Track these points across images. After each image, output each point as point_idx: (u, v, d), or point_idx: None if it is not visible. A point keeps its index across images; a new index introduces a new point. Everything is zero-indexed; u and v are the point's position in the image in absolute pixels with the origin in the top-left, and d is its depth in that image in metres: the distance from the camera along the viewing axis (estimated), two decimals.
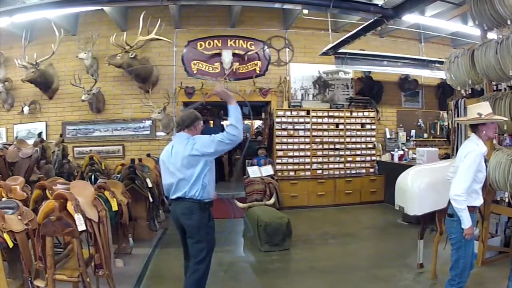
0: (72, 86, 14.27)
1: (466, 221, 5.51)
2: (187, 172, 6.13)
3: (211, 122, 20.88)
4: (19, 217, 6.33)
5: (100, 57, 15.06)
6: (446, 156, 12.15)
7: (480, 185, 5.79)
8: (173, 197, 6.34)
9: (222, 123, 21.99)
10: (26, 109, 15.12)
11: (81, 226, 5.90)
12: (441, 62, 13.14)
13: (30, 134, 15.11)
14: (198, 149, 6.08)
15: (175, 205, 6.36)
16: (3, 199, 7.22)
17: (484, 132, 5.83)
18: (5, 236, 5.93)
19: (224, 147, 6.16)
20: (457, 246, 5.76)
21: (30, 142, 11.48)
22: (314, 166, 15.56)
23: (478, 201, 5.86)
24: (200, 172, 6.15)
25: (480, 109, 5.93)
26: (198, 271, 6.18)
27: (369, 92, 16.78)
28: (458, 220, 5.60)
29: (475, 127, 5.91)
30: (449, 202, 5.77)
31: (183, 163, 6.14)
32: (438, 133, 17.59)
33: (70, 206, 6.00)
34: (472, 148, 5.69)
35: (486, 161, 5.92)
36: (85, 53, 14.46)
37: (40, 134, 12.94)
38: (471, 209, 5.69)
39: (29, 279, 6.32)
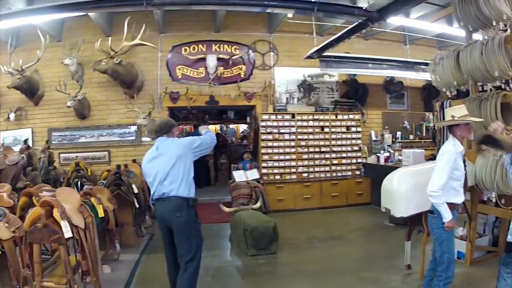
0: (58, 92, 14.26)
1: (446, 214, 5.77)
2: (175, 170, 6.47)
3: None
4: (6, 224, 6.33)
5: (85, 63, 15.03)
6: (432, 157, 12.17)
7: (458, 182, 6.03)
8: (160, 196, 6.55)
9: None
10: (12, 115, 15.06)
11: (67, 233, 5.90)
12: (426, 64, 13.27)
13: (16, 140, 15.01)
14: (185, 145, 6.69)
15: (161, 204, 6.59)
16: None
17: (458, 133, 6.12)
18: None
19: (207, 143, 6.94)
20: (440, 241, 5.99)
21: (16, 149, 11.44)
22: (300, 169, 15.56)
23: (458, 198, 6.10)
24: (188, 169, 6.59)
25: (454, 111, 6.20)
26: (190, 268, 6.41)
27: (354, 94, 16.80)
28: (438, 216, 5.91)
29: (451, 129, 6.19)
30: None
31: (171, 162, 6.48)
32: (424, 135, 17.65)
33: (56, 213, 6.00)
34: (448, 148, 6.00)
35: (464, 160, 6.15)
36: (70, 59, 14.39)
37: (26, 141, 12.86)
38: (452, 206, 5.93)
39: (17, 286, 6.33)
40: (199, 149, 6.81)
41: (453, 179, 5.95)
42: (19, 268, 6.35)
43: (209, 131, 7.28)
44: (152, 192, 6.72)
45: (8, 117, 15.17)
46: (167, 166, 6.48)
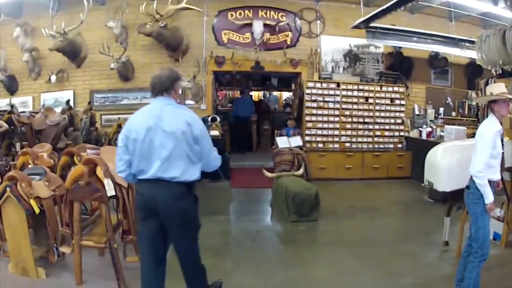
0: (101, 54, 14.35)
1: (489, 196, 5.68)
2: (179, 150, 4.93)
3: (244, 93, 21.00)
4: (46, 183, 6.39)
5: (130, 26, 15.05)
6: (474, 136, 12.08)
7: (495, 160, 5.91)
8: (153, 177, 4.96)
9: (251, 93, 22.04)
10: (53, 77, 15.20)
11: (110, 191, 5.93)
12: (471, 42, 13.06)
13: (57, 102, 15.18)
14: (197, 135, 5.00)
15: (152, 188, 5.01)
16: (30, 166, 7.24)
17: (496, 109, 5.99)
18: (32, 202, 5.99)
19: (211, 161, 5.27)
20: (475, 217, 5.91)
21: (58, 110, 11.50)
22: (343, 139, 15.48)
23: (495, 175, 5.98)
24: (206, 148, 5.18)
25: (493, 89, 6.13)
26: (196, 272, 5.43)
27: (399, 67, 16.66)
28: (474, 191, 5.82)
29: (490, 106, 6.10)
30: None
31: (180, 137, 4.91)
32: (466, 112, 17.37)
33: (99, 171, 6.04)
34: (486, 127, 5.91)
35: (502, 139, 6.05)
36: (114, 22, 14.50)
37: (68, 102, 12.96)
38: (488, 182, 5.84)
39: (55, 245, 6.35)
40: (202, 151, 5.12)
41: (491, 156, 5.83)
42: (57, 227, 6.39)
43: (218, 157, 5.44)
44: (135, 165, 5.09)
45: (50, 79, 15.32)
46: (172, 142, 4.89)
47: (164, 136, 4.91)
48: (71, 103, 13.79)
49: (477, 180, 5.72)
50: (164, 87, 5.26)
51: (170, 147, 4.89)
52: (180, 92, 5.53)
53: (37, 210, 6.02)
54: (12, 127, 10.47)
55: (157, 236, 5.12)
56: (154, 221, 5.05)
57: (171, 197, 4.96)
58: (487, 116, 6.19)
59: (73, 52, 14.89)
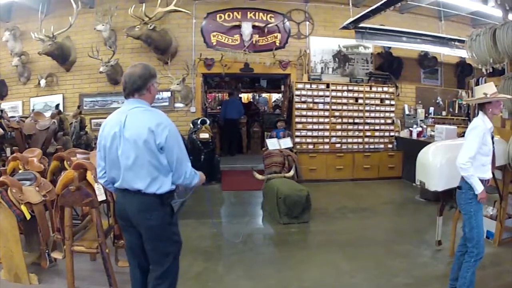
0: (90, 58, 14.35)
1: (478, 187, 5.76)
2: (143, 160, 4.42)
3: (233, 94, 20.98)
4: (36, 188, 6.38)
5: (118, 29, 15.07)
6: (464, 135, 12.11)
7: (486, 157, 6.02)
8: (121, 186, 4.62)
9: (240, 95, 22.06)
10: (42, 81, 15.18)
11: (101, 196, 5.89)
12: (460, 41, 13.15)
13: (46, 106, 15.19)
14: (160, 144, 4.41)
15: (123, 197, 4.65)
16: (20, 171, 7.22)
17: (490, 110, 6.09)
18: (23, 207, 5.98)
19: (182, 176, 4.58)
20: (468, 216, 5.96)
21: (47, 114, 11.49)
22: (333, 139, 15.53)
23: (486, 174, 6.07)
24: (174, 159, 4.54)
25: (486, 89, 6.15)
26: (164, 285, 4.74)
27: (388, 67, 16.70)
28: (466, 192, 5.92)
29: (482, 106, 6.16)
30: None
31: (141, 146, 4.39)
32: (456, 111, 17.49)
33: (90, 176, 6.00)
34: (477, 123, 6.00)
35: (492, 137, 6.14)
36: (103, 25, 14.45)
37: (57, 106, 12.94)
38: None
39: (46, 251, 6.35)
40: (174, 164, 4.53)
41: (482, 154, 5.95)
42: (48, 233, 6.38)
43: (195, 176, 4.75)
44: (108, 172, 4.76)
45: (39, 84, 15.31)
46: (137, 151, 4.40)
47: (126, 144, 4.44)
48: (61, 107, 13.82)
49: (462, 172, 5.84)
50: (135, 87, 4.62)
51: (132, 156, 4.41)
52: (155, 92, 4.85)
53: (28, 216, 6.00)
54: (2, 131, 10.46)
55: (137, 246, 4.77)
56: (132, 231, 4.71)
57: (138, 209, 4.53)
58: (477, 115, 6.24)
59: (62, 56, 14.90)
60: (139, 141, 4.34)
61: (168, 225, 4.65)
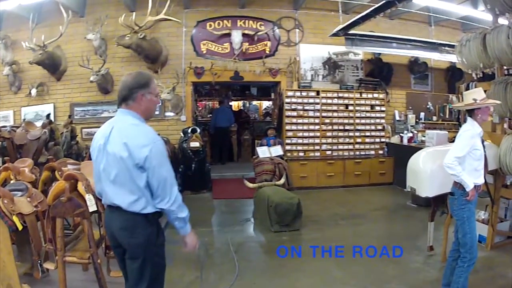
0: (80, 67, 14.34)
1: (468, 183, 5.81)
2: (133, 176, 4.12)
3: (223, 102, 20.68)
4: (28, 199, 6.33)
5: (109, 38, 15.07)
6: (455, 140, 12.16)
7: (478, 162, 6.07)
8: (104, 202, 4.52)
9: (230, 104, 21.85)
10: (33, 91, 15.13)
11: (92, 206, 5.83)
12: (451, 46, 13.23)
13: (37, 116, 15.14)
14: (139, 164, 4.08)
15: (109, 214, 4.41)
16: (12, 181, 7.20)
17: (479, 115, 6.15)
18: (14, 218, 5.94)
19: (166, 205, 4.20)
20: (461, 222, 6.02)
21: (38, 124, 11.46)
22: (324, 147, 15.51)
23: (479, 179, 6.11)
24: (156, 184, 4.18)
25: (475, 95, 6.19)
26: None
27: (378, 73, 16.75)
28: (459, 197, 5.99)
29: (471, 111, 6.22)
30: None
31: (120, 162, 4.12)
32: (447, 116, 17.57)
33: (80, 187, 5.95)
34: (467, 128, 6.14)
35: (483, 141, 6.21)
36: (93, 34, 14.50)
37: (48, 116, 12.87)
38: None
39: (39, 261, 6.33)
40: (159, 190, 4.17)
41: (474, 159, 6.03)
42: (40, 243, 6.35)
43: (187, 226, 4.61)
44: (96, 186, 4.63)
45: (30, 93, 15.27)
46: (118, 167, 4.13)
47: (108, 158, 4.19)
48: (52, 117, 13.72)
49: (449, 171, 5.90)
50: (121, 96, 4.33)
51: (113, 172, 4.15)
52: (147, 103, 4.43)
53: (20, 227, 5.97)
54: None
55: (123, 263, 4.47)
56: (120, 248, 4.41)
57: (120, 226, 4.26)
58: (465, 121, 6.28)
59: (53, 65, 14.90)
60: (118, 156, 4.10)
61: (153, 245, 4.31)
